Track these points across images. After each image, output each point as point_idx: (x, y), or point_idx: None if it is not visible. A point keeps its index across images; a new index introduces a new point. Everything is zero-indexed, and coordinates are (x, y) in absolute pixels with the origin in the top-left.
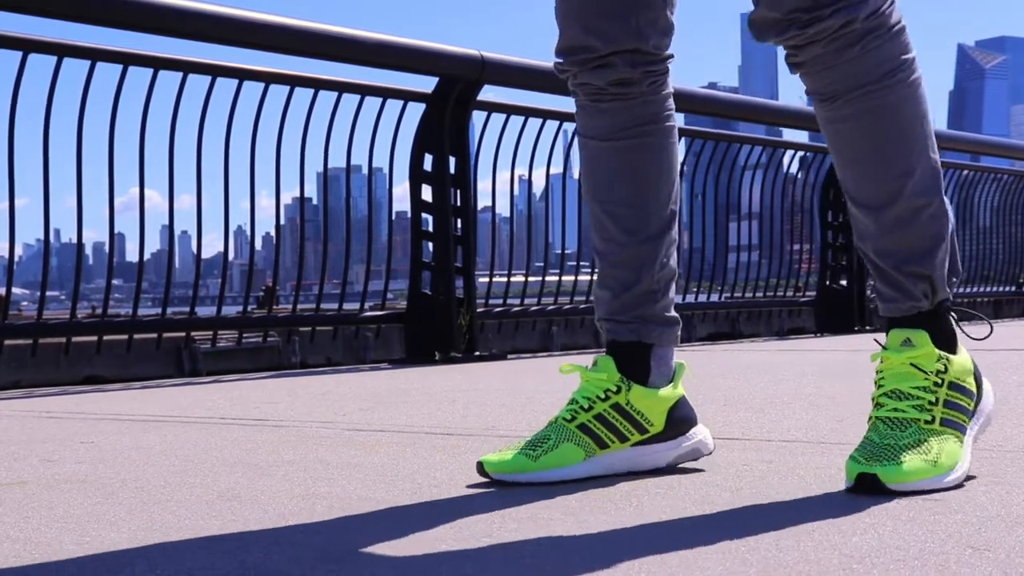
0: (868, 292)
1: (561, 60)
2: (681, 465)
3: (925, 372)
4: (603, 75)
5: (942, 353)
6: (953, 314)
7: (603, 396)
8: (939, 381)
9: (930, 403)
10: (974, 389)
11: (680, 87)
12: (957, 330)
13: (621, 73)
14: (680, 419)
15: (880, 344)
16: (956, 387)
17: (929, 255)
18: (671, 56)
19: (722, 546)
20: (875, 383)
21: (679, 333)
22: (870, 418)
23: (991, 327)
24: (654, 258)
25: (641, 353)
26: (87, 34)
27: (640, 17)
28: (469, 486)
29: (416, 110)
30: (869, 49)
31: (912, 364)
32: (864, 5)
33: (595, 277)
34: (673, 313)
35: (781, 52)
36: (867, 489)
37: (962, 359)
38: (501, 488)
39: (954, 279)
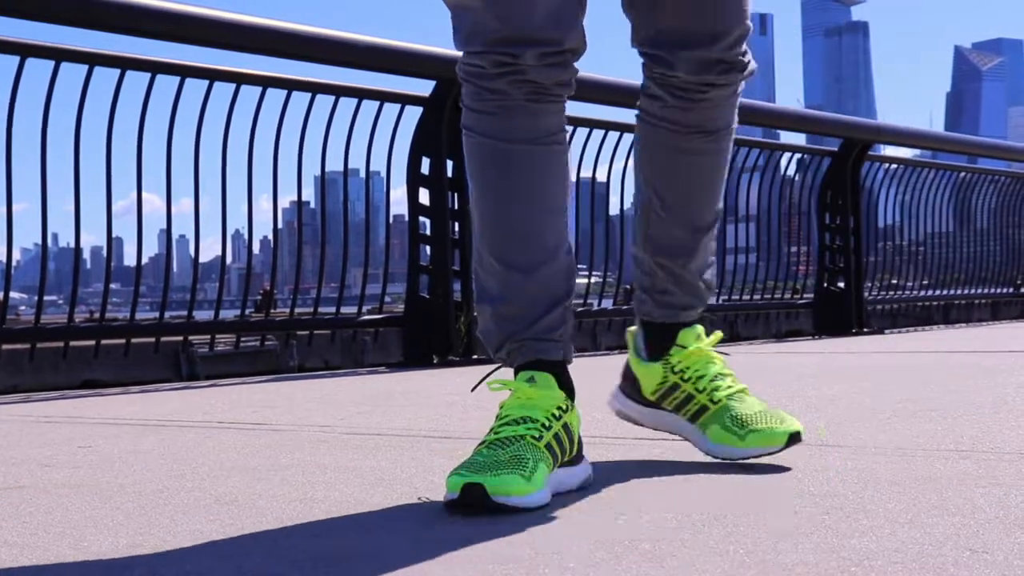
0: (866, 294)
1: (512, 52)
2: (676, 469)
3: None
4: (555, 73)
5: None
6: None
7: (557, 415)
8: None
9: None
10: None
11: None
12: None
13: (570, 73)
14: (581, 442)
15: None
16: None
17: (710, 270)
18: None
19: (720, 548)
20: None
21: None
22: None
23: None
24: (574, 268)
25: (565, 372)
26: (85, 38)
27: (581, 15)
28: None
29: (413, 113)
30: (736, 102)
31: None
32: (743, 74)
33: (488, 289)
34: None
35: (778, 55)
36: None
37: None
38: None
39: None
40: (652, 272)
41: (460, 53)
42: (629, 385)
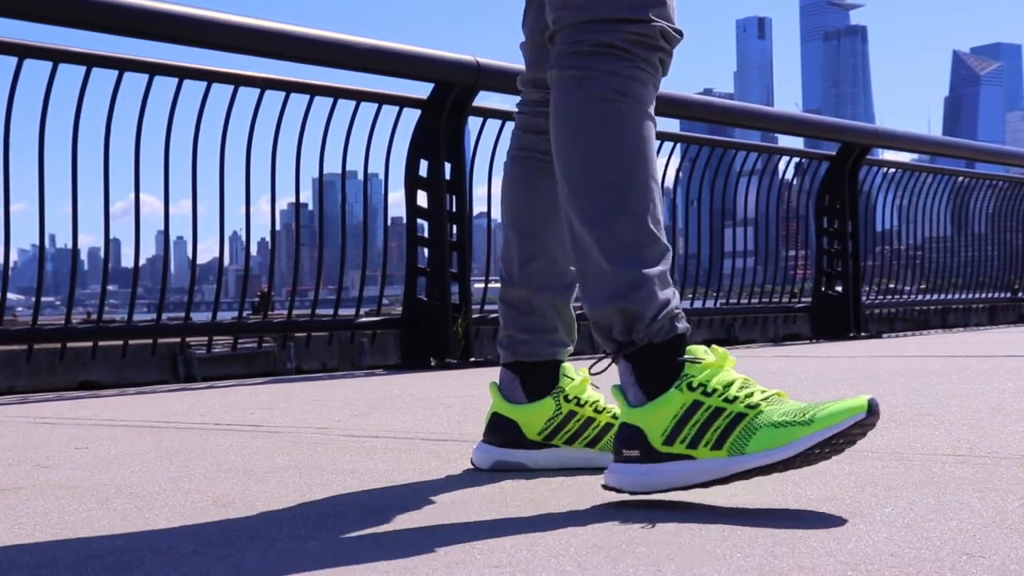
0: (864, 298)
1: (676, 30)
2: None
3: None
4: (670, 65)
5: None
6: None
7: None
8: None
9: None
10: None
11: (675, 93)
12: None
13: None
14: None
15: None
16: None
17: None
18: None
19: (717, 552)
20: None
21: None
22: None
23: None
24: None
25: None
26: (83, 39)
27: None
28: (464, 492)
29: (412, 116)
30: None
31: None
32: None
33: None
34: None
35: (776, 59)
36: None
37: None
38: (496, 495)
39: None
40: (540, 311)
41: (592, 19)
42: (500, 435)
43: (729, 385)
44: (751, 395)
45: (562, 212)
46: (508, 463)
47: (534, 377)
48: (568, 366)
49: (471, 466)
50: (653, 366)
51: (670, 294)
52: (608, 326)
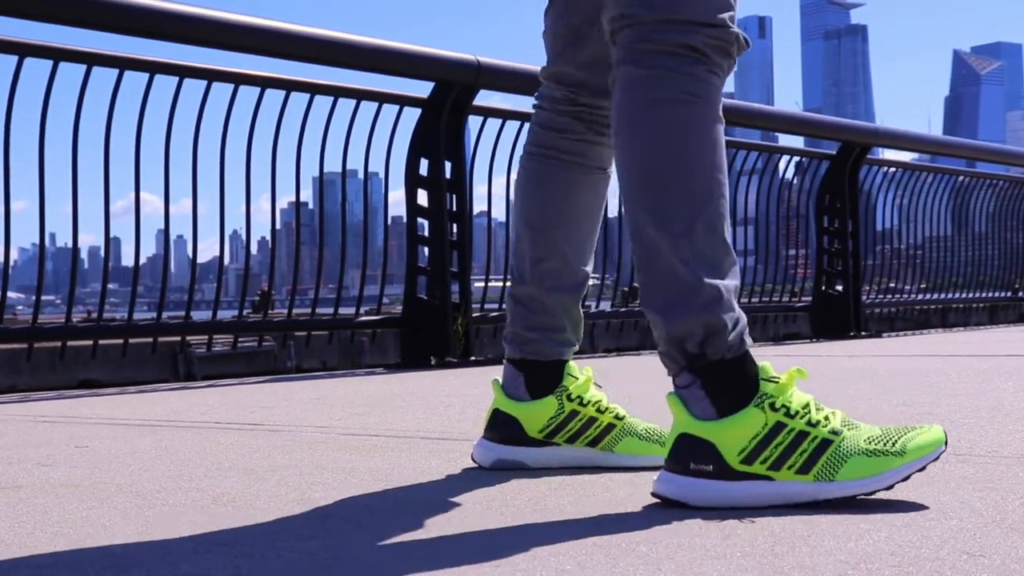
0: (864, 297)
1: (746, 37)
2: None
3: None
4: None
5: None
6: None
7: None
8: None
9: None
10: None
11: None
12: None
13: None
14: None
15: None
16: None
17: None
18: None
19: (718, 551)
20: None
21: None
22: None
23: None
24: None
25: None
26: (83, 38)
27: None
28: (464, 491)
29: (412, 115)
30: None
31: None
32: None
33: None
34: None
35: (777, 58)
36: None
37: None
38: (496, 494)
39: None
40: (550, 310)
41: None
42: (501, 432)
43: (807, 406)
44: (827, 418)
45: (628, 215)
46: (509, 460)
47: (538, 375)
48: (572, 365)
49: (471, 465)
50: (726, 381)
51: (740, 309)
52: (683, 337)
